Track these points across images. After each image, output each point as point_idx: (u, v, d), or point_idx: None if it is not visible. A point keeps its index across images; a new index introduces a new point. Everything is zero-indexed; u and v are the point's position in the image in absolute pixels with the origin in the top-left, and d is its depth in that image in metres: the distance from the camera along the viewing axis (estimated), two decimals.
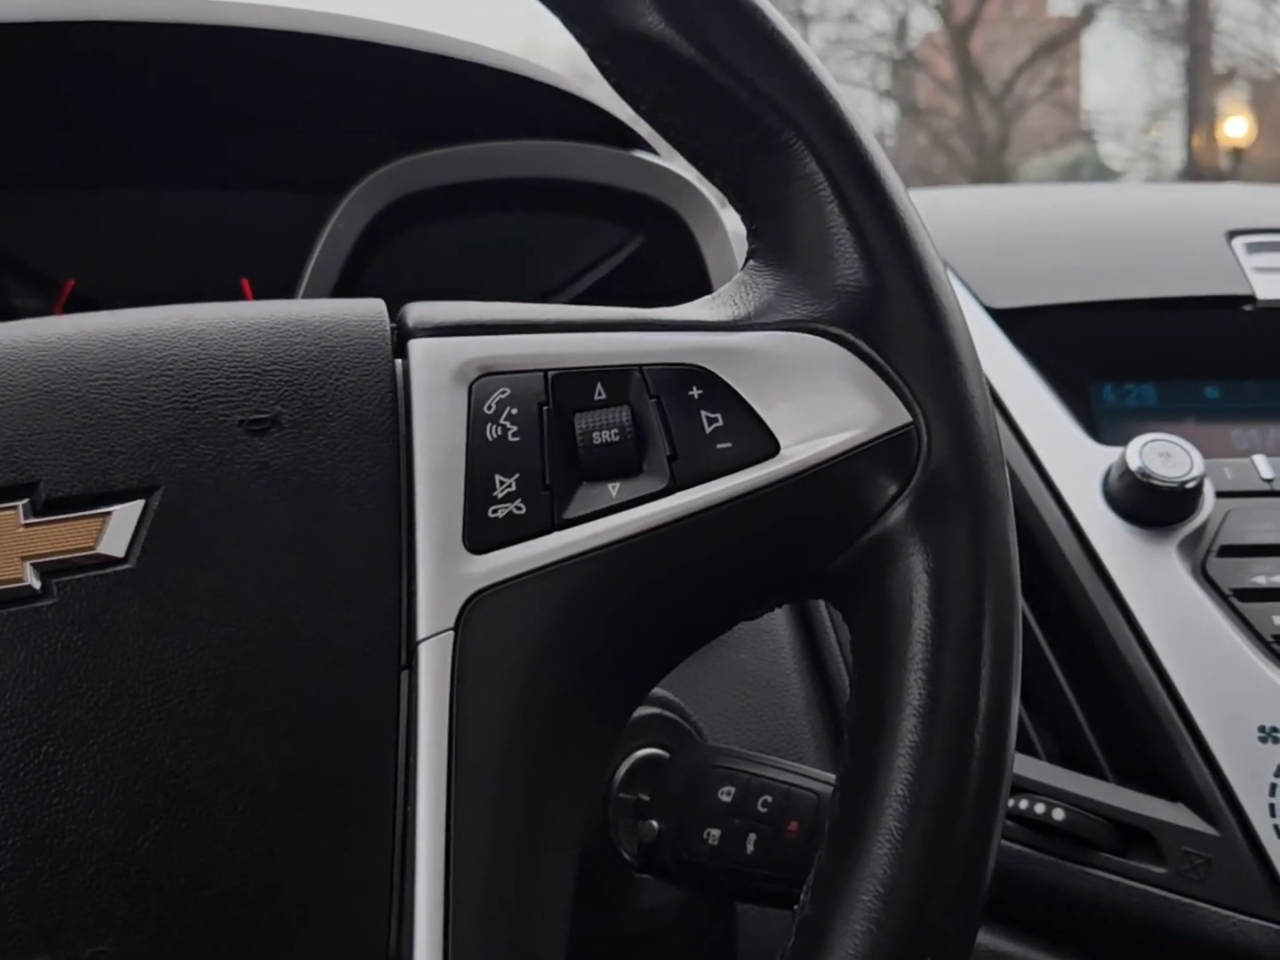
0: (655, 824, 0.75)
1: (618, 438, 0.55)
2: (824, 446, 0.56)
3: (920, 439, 0.56)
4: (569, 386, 0.56)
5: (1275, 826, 0.87)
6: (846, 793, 0.55)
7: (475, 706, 0.53)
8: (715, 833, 0.72)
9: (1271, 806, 0.87)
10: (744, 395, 0.56)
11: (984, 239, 1.22)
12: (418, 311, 0.58)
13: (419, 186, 1.11)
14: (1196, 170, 15.47)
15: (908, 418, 0.56)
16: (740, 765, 0.74)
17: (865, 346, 0.56)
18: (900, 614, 0.54)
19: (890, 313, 0.57)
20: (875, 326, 0.57)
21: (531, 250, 1.20)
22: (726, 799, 0.73)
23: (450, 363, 0.56)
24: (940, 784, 0.53)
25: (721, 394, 0.56)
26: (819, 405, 0.56)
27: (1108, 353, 1.13)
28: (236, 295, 1.14)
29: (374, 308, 0.58)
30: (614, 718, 0.59)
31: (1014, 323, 1.12)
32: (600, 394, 0.56)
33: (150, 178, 1.15)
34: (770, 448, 0.56)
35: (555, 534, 0.54)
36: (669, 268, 1.12)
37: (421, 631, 0.53)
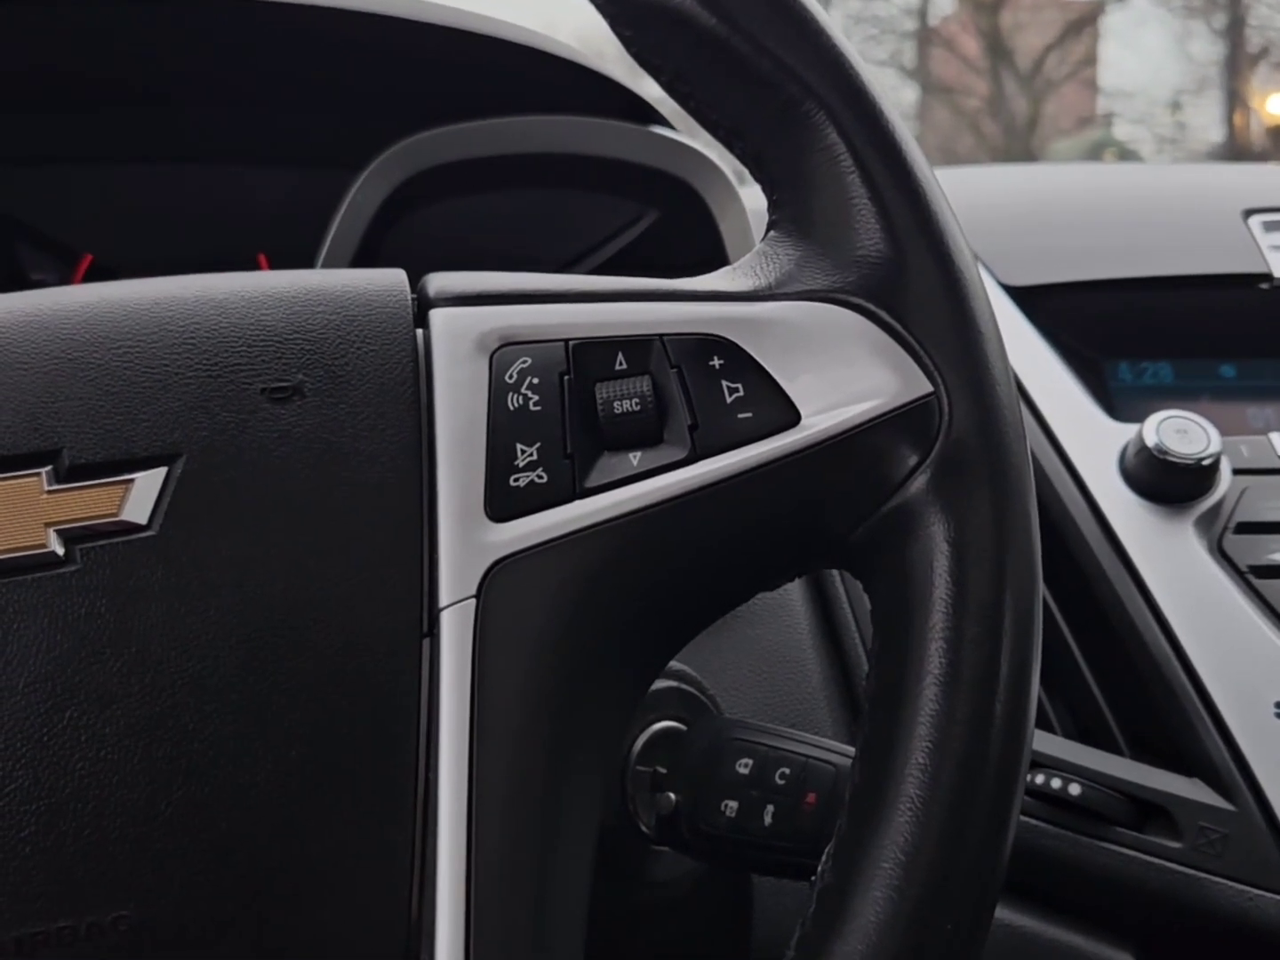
0: (673, 796, 0.75)
1: (639, 407, 0.55)
2: (845, 416, 0.56)
3: (941, 409, 0.56)
4: (590, 356, 0.56)
5: None
6: (866, 762, 0.55)
7: (496, 674, 0.53)
8: (733, 805, 0.72)
9: None
10: (765, 365, 0.56)
11: (1001, 217, 1.22)
12: (439, 281, 0.58)
13: (437, 161, 1.11)
14: (1237, 149, 15.28)
15: (929, 388, 0.56)
16: (758, 738, 0.74)
17: (886, 316, 0.56)
18: (920, 584, 0.54)
19: (911, 283, 0.57)
20: (896, 296, 0.57)
21: (548, 224, 1.20)
22: (744, 771, 0.73)
23: (471, 332, 0.56)
24: (961, 752, 0.53)
25: (742, 364, 0.56)
26: (840, 375, 0.56)
27: (1124, 331, 1.13)
28: (254, 270, 1.14)
29: (395, 278, 0.58)
30: (634, 686, 0.59)
31: (1031, 301, 1.11)
32: (621, 364, 0.56)
33: (169, 152, 1.15)
34: (791, 417, 0.56)
35: (576, 503, 0.54)
36: (686, 242, 1.12)
37: (443, 599, 0.53)
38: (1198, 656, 0.91)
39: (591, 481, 0.55)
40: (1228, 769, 0.88)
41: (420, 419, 0.55)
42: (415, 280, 0.59)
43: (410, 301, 0.57)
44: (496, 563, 0.53)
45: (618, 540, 0.55)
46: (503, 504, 0.54)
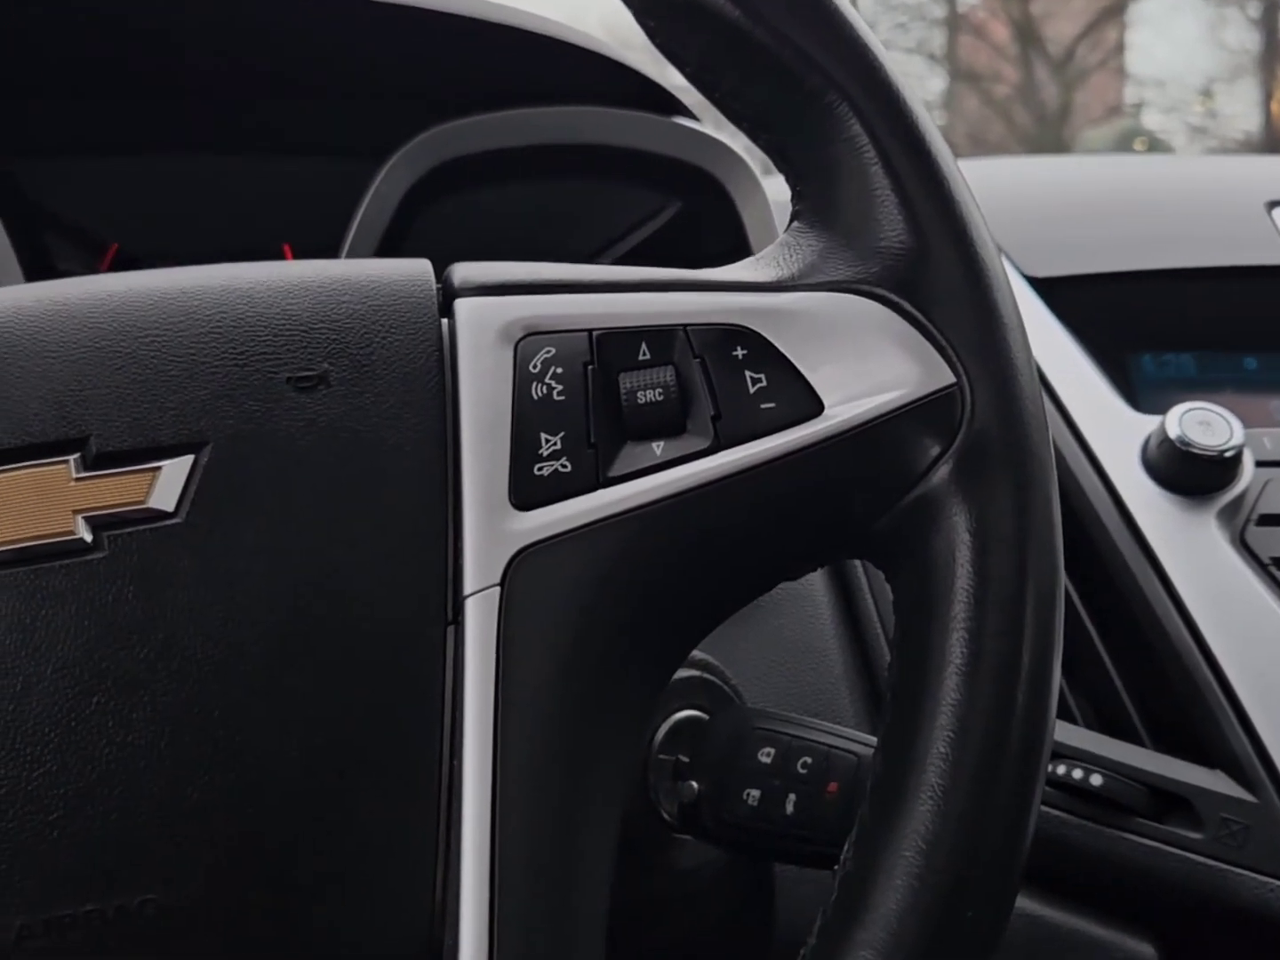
0: (695, 785, 0.75)
1: (662, 397, 0.56)
2: (868, 406, 0.56)
3: (964, 400, 0.56)
4: (614, 346, 0.56)
5: None
6: (888, 751, 0.55)
7: (521, 662, 0.53)
8: (755, 793, 0.72)
9: None
10: (788, 355, 0.56)
11: (1023, 209, 1.22)
12: (463, 271, 0.58)
13: (460, 152, 1.11)
14: (1274, 138, 15.09)
15: (951, 378, 0.56)
16: (780, 727, 0.74)
17: (909, 307, 0.57)
18: (943, 574, 0.55)
19: (934, 274, 0.57)
20: (919, 287, 0.57)
21: (571, 215, 1.20)
22: (766, 760, 0.73)
23: (496, 322, 0.56)
24: (982, 742, 0.53)
25: (765, 354, 0.56)
26: (863, 366, 0.56)
27: (1147, 322, 1.13)
28: (278, 260, 1.14)
29: (420, 267, 0.59)
30: (657, 674, 0.59)
31: (1053, 292, 1.11)
32: (645, 354, 0.56)
33: (193, 143, 1.15)
34: (814, 408, 0.56)
35: (600, 491, 0.55)
36: (709, 233, 1.13)
37: (468, 587, 0.53)
38: (1219, 648, 0.91)
39: (615, 471, 0.55)
40: (1249, 760, 0.88)
41: (445, 408, 0.55)
42: (440, 270, 0.59)
43: (435, 291, 0.58)
44: (521, 551, 0.54)
45: (641, 529, 0.55)
46: (527, 493, 0.54)
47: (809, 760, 0.72)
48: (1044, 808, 0.88)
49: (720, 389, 0.56)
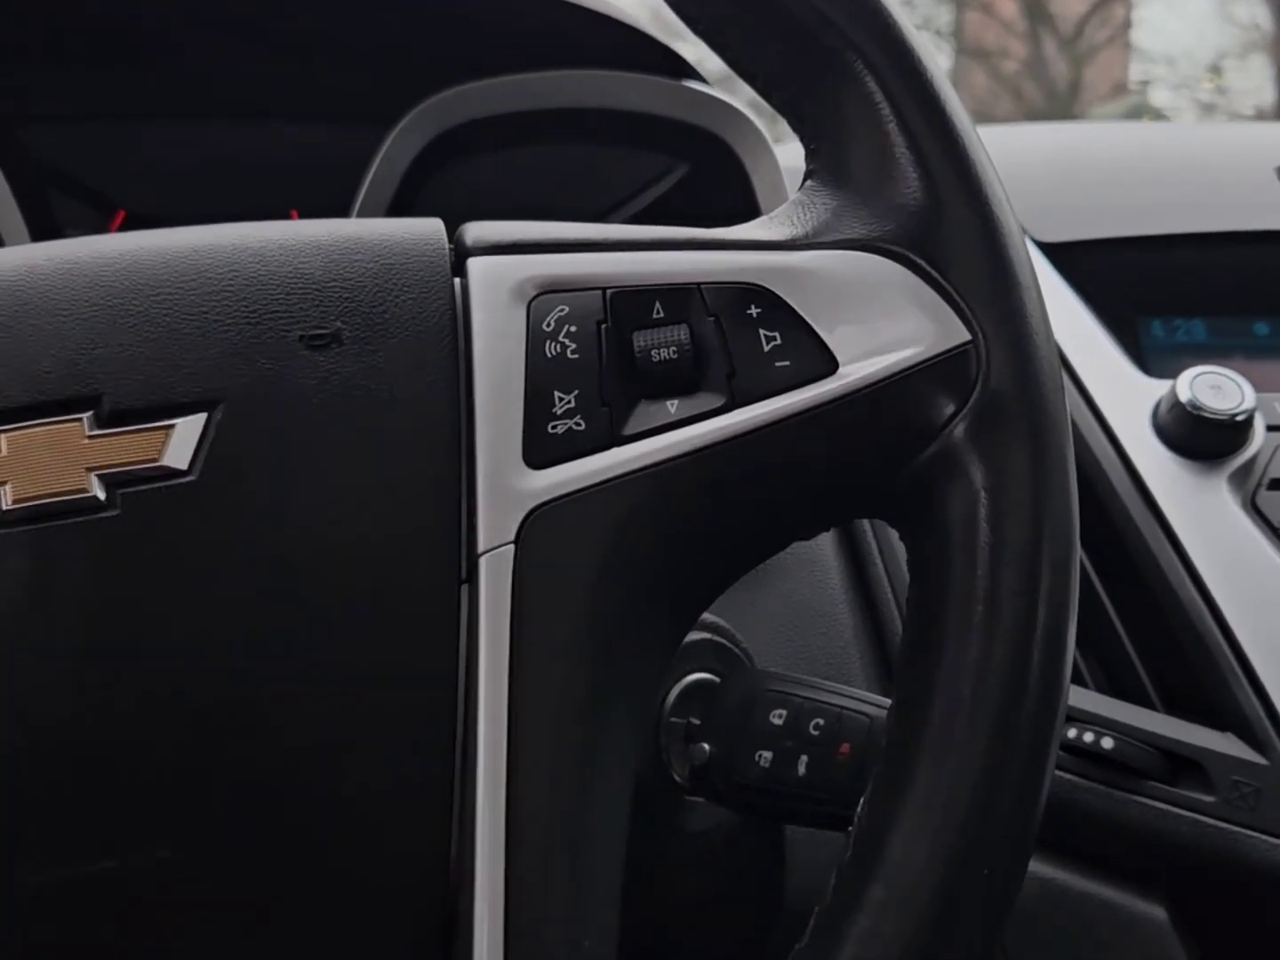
0: (707, 747, 0.75)
1: (676, 355, 0.56)
2: (882, 364, 0.56)
3: (980, 358, 0.56)
4: (628, 305, 0.56)
5: None
6: (903, 710, 0.55)
7: (535, 619, 0.53)
8: (767, 755, 0.72)
9: None
10: (802, 314, 0.56)
11: (1034, 174, 1.21)
12: (476, 230, 0.58)
13: (468, 117, 1.11)
14: None
15: (967, 336, 0.56)
16: (792, 689, 0.74)
17: (924, 265, 0.56)
18: (958, 534, 0.55)
19: (949, 231, 0.56)
20: (934, 245, 0.56)
21: (578, 179, 1.19)
22: (778, 722, 0.73)
23: (509, 281, 0.56)
24: (999, 700, 0.53)
25: (780, 312, 0.56)
26: (878, 324, 0.56)
27: (1157, 288, 1.12)
28: None
29: (433, 226, 0.59)
30: (670, 633, 0.59)
31: (1064, 257, 1.11)
32: (659, 312, 0.56)
33: (201, 109, 1.15)
34: (829, 366, 0.56)
35: (614, 450, 0.55)
36: (718, 196, 1.12)
37: (482, 545, 0.53)
38: (1231, 611, 0.91)
39: (629, 429, 0.55)
40: (1260, 723, 0.88)
41: (458, 367, 0.55)
42: (452, 230, 0.59)
43: (448, 250, 0.57)
44: (534, 509, 0.54)
45: (655, 487, 0.55)
46: (541, 451, 0.54)
47: (821, 722, 0.72)
48: (1056, 772, 0.87)
49: (735, 347, 0.56)
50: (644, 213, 1.18)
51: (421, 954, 0.54)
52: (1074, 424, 0.98)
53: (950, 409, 0.55)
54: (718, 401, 0.55)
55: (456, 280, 0.57)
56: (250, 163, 1.17)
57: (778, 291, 0.56)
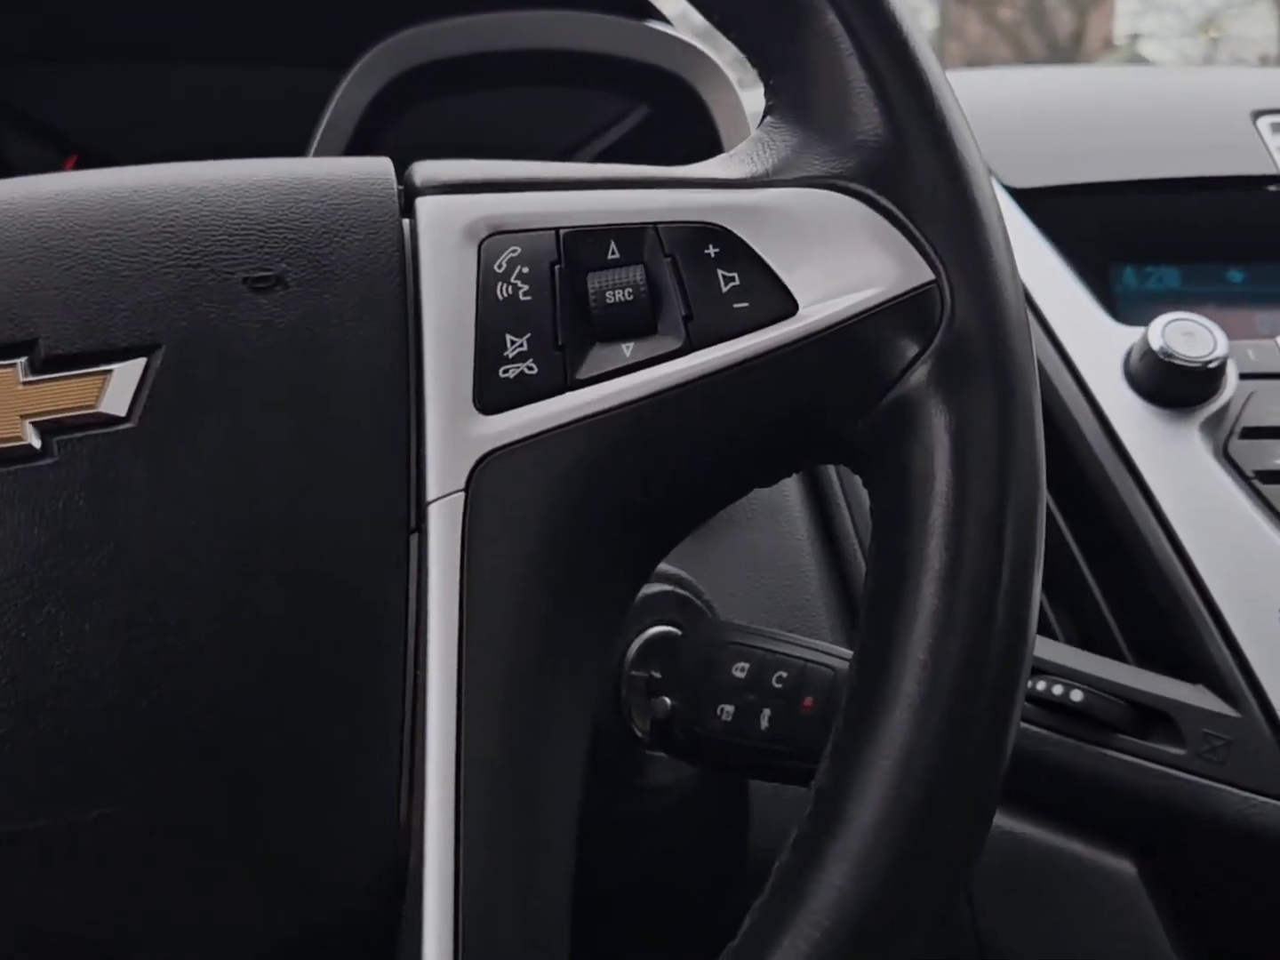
0: (668, 700, 0.74)
1: (631, 297, 0.54)
2: (843, 305, 0.54)
3: (943, 298, 0.54)
4: (582, 245, 0.55)
5: None
6: (864, 662, 0.54)
7: (486, 568, 0.52)
8: (729, 709, 0.72)
9: None
10: (761, 254, 0.55)
11: (1005, 119, 1.20)
12: (425, 169, 0.57)
13: (426, 58, 1.09)
14: None
15: (930, 276, 0.54)
16: (755, 641, 0.73)
17: (886, 202, 0.55)
18: (921, 480, 0.53)
19: (912, 168, 0.55)
20: (896, 182, 0.55)
21: (538, 120, 1.18)
22: (740, 675, 0.72)
23: (459, 221, 0.55)
24: (961, 651, 0.52)
25: (738, 252, 0.55)
26: (838, 263, 0.55)
27: (1129, 234, 1.11)
28: None
29: (381, 166, 0.57)
30: (627, 582, 0.58)
31: (1035, 203, 1.10)
32: (614, 253, 0.55)
33: (158, 50, 1.14)
34: (788, 307, 0.55)
35: (568, 394, 0.53)
36: (681, 138, 1.11)
37: (431, 493, 0.52)
38: (1202, 562, 0.90)
39: (583, 373, 0.54)
40: (1232, 675, 0.87)
41: (406, 310, 0.54)
42: (402, 171, 0.58)
43: (396, 190, 0.56)
44: (485, 455, 0.53)
45: (610, 433, 0.54)
46: (492, 396, 0.53)
47: (784, 675, 0.71)
48: (1024, 725, 0.87)
49: (692, 288, 0.55)
50: (606, 154, 1.17)
51: (372, 906, 0.53)
52: (1043, 372, 0.97)
53: (913, 351, 0.54)
54: (674, 344, 0.54)
55: (405, 221, 0.55)
56: (207, 105, 1.16)
57: (736, 231, 0.55)
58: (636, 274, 0.55)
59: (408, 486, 0.52)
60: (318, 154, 1.06)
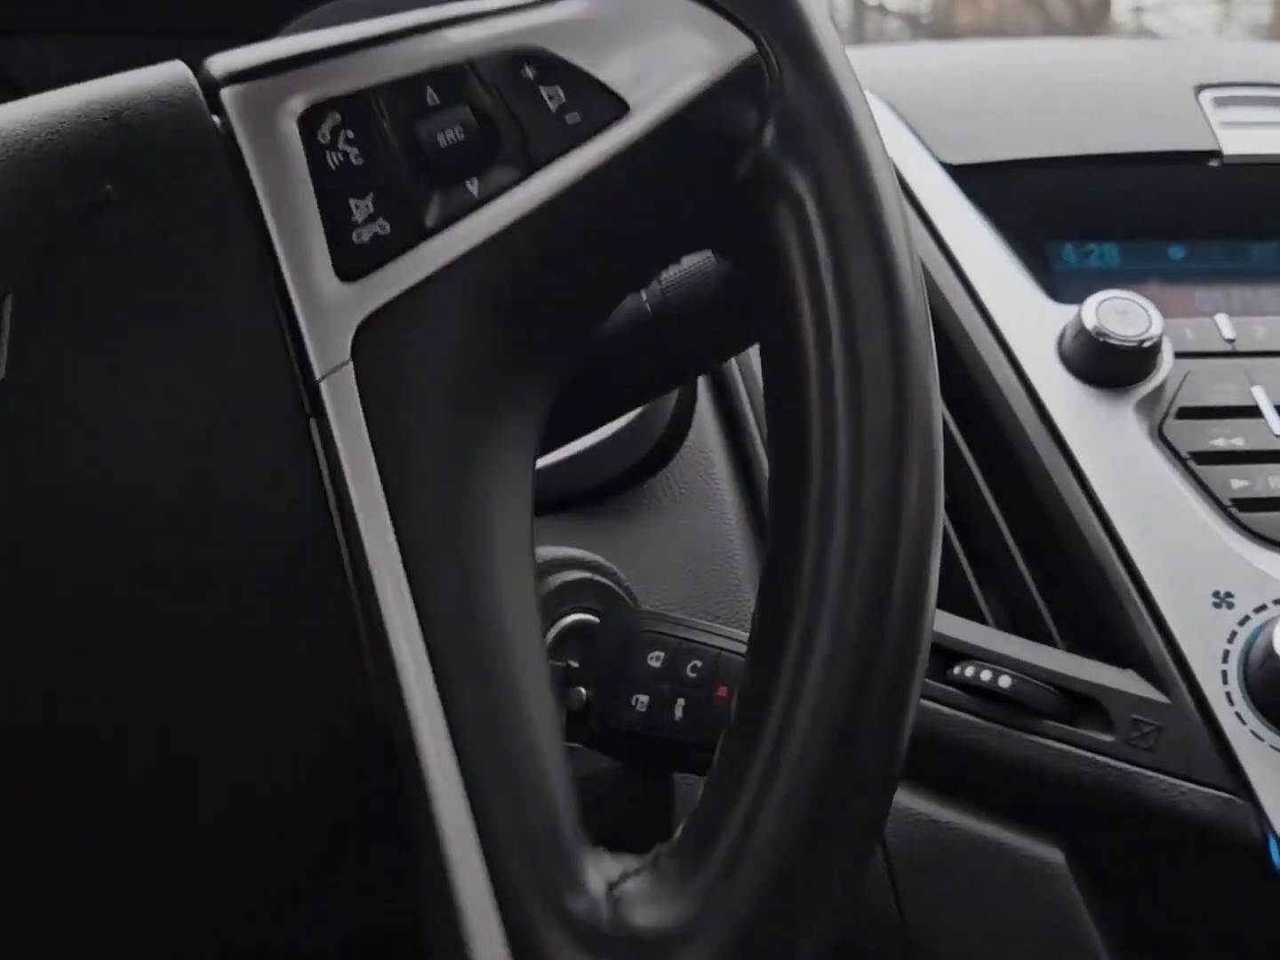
0: (584, 691, 0.73)
1: (464, 135, 0.54)
2: (674, 94, 0.55)
3: (769, 66, 0.55)
4: (400, 98, 0.54)
5: (1227, 694, 0.85)
6: (775, 536, 0.55)
7: (391, 433, 0.52)
8: (643, 699, 0.71)
9: (1224, 673, 0.85)
10: (579, 64, 0.55)
11: (940, 93, 1.19)
12: (221, 61, 0.55)
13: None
14: None
15: (750, 47, 0.55)
16: (671, 629, 0.72)
17: None
18: (791, 243, 0.54)
19: None
20: None
21: None
22: (655, 664, 0.71)
23: (270, 105, 0.54)
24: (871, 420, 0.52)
25: (556, 68, 0.55)
26: (657, 55, 0.56)
27: (1068, 210, 1.11)
28: None
29: (174, 69, 0.56)
30: (534, 408, 0.58)
31: (972, 179, 1.08)
32: (434, 99, 0.55)
33: (65, 26, 1.12)
34: (619, 109, 0.55)
35: (426, 244, 0.53)
36: None
37: (318, 372, 0.52)
38: (1134, 545, 0.89)
39: (433, 220, 0.54)
40: (1162, 660, 0.87)
41: (242, 203, 0.53)
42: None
43: (195, 87, 0.55)
44: (363, 322, 0.52)
45: (478, 270, 0.54)
46: (351, 263, 0.53)
47: (699, 664, 0.70)
48: (951, 710, 0.86)
49: (520, 114, 0.55)
50: None
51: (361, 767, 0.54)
52: (977, 352, 0.96)
53: (753, 120, 0.55)
54: (517, 173, 0.55)
55: (216, 118, 0.54)
56: None
57: (548, 48, 0.55)
58: (463, 112, 0.54)
59: (292, 373, 0.52)
60: None
